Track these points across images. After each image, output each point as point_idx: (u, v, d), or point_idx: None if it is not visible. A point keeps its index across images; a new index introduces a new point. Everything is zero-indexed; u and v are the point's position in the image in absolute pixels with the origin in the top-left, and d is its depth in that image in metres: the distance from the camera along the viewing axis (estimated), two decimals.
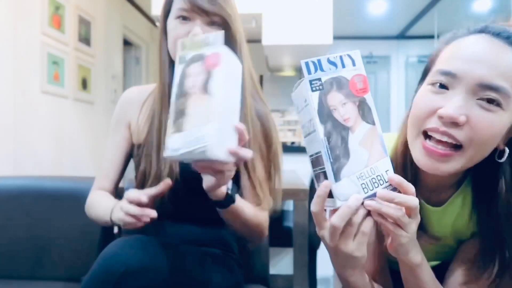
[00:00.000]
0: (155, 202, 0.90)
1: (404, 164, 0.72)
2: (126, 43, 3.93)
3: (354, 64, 0.61)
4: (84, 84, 2.92)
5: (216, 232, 1.04)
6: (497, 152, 0.66)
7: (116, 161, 1.05)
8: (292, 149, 2.82)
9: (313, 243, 1.98)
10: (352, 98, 0.60)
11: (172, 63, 0.95)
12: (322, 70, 0.60)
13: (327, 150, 0.58)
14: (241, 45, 0.96)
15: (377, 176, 0.59)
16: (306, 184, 1.65)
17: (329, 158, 0.58)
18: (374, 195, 0.59)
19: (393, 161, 0.64)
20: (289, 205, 2.59)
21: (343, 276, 0.66)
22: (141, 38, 4.16)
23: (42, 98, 2.43)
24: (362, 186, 0.59)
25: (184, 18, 0.90)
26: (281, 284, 2.36)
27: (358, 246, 0.59)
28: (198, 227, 1.01)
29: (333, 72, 0.60)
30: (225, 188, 0.82)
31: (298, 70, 4.16)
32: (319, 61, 0.60)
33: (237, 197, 0.87)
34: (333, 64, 0.60)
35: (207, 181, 0.76)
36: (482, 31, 0.64)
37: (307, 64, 0.60)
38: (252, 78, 1.03)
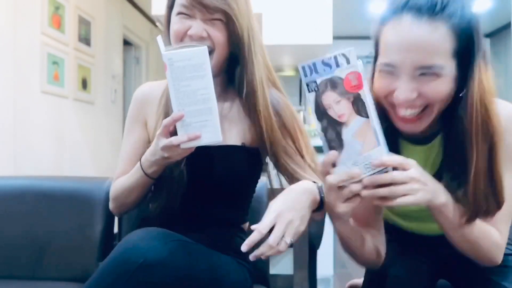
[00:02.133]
0: (166, 209, 0.91)
1: (383, 114, 0.78)
2: (126, 43, 3.93)
3: (348, 62, 0.65)
4: (84, 84, 2.93)
5: (229, 238, 1.02)
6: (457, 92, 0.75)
7: (133, 162, 0.99)
8: None
9: (313, 243, 1.98)
10: (346, 95, 0.66)
11: None
12: (317, 72, 0.67)
13: (325, 143, 0.68)
14: (250, 43, 0.93)
15: (370, 163, 0.66)
16: None
17: (327, 149, 0.68)
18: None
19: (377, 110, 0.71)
20: None
21: (334, 226, 0.79)
22: (141, 38, 4.16)
23: (42, 98, 2.43)
24: (370, 192, 0.67)
25: (185, 14, 0.88)
26: (281, 284, 2.36)
27: (344, 208, 0.70)
28: (211, 233, 0.98)
29: (327, 74, 0.66)
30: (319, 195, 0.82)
31: (298, 70, 4.16)
32: (314, 64, 0.66)
33: None
34: (328, 65, 0.66)
35: None
36: (403, 8, 0.71)
37: (303, 68, 0.67)
38: (270, 71, 1.02)
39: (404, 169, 0.66)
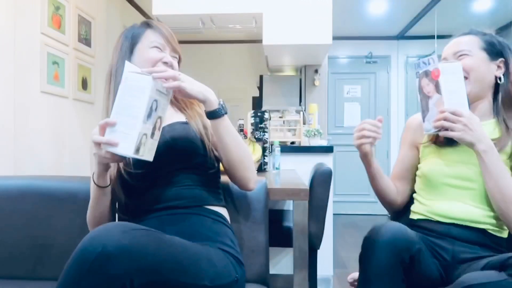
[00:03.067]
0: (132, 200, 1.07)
1: None
2: None
3: (434, 62, 1.12)
4: (84, 84, 2.93)
5: (211, 225, 1.07)
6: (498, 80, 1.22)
7: None
8: (292, 149, 2.82)
9: (313, 243, 1.98)
10: (432, 81, 1.12)
11: None
12: (419, 66, 1.15)
13: (421, 107, 1.15)
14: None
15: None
16: (306, 184, 1.65)
17: (422, 110, 1.15)
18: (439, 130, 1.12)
19: None
20: (289, 205, 2.59)
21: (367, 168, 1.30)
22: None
23: (42, 98, 2.43)
24: (433, 126, 1.11)
25: (157, 48, 1.18)
26: (281, 284, 2.36)
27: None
28: (194, 220, 1.06)
29: (424, 67, 1.14)
30: (216, 102, 1.07)
31: (298, 70, 4.16)
32: (419, 62, 1.15)
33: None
34: (425, 63, 1.13)
35: None
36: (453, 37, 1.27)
37: (415, 64, 1.17)
38: None
39: (458, 115, 1.06)
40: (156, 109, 0.96)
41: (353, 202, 5.46)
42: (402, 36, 5.37)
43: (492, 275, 0.89)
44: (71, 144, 2.75)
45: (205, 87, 1.07)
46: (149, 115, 0.94)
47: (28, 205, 1.35)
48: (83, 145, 2.89)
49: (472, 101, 1.19)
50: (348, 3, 4.29)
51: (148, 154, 0.96)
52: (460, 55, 1.20)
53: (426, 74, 1.11)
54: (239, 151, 1.12)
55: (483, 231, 1.13)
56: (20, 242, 1.33)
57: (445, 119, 1.06)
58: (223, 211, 1.16)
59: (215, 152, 1.18)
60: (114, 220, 1.16)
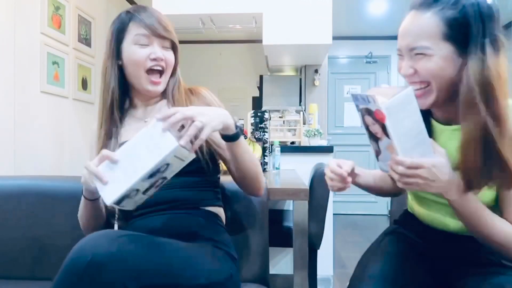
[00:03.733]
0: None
1: None
2: None
3: (375, 102, 0.82)
4: (84, 84, 2.93)
5: (204, 222, 1.07)
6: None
7: None
8: (292, 149, 2.82)
9: (313, 243, 1.98)
10: (377, 122, 0.84)
11: (121, 84, 1.12)
12: (358, 101, 0.87)
13: (371, 144, 0.91)
14: (177, 63, 1.17)
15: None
16: (306, 184, 1.65)
17: (373, 149, 0.91)
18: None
19: None
20: (289, 205, 2.59)
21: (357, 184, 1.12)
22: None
23: (42, 98, 2.43)
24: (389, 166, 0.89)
25: (142, 44, 1.07)
26: (281, 284, 2.36)
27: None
28: (184, 218, 1.06)
29: (365, 104, 0.85)
30: (233, 125, 0.99)
31: (298, 70, 4.16)
32: (357, 96, 0.86)
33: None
34: (364, 100, 0.85)
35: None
36: (411, 8, 0.93)
37: (352, 95, 0.88)
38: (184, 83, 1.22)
39: (415, 167, 0.82)
40: (164, 171, 0.88)
41: (353, 202, 5.46)
42: None
43: None
44: (71, 144, 2.75)
45: (221, 113, 0.96)
46: (152, 175, 0.86)
47: (28, 205, 1.35)
48: (83, 145, 2.89)
49: (441, 105, 0.96)
50: (348, 3, 4.29)
51: (130, 205, 0.90)
52: (417, 54, 0.90)
53: (369, 112, 0.84)
54: (253, 166, 1.09)
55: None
56: (19, 242, 1.32)
57: (402, 175, 0.83)
58: (217, 210, 1.15)
59: (216, 153, 1.15)
60: (107, 224, 1.16)
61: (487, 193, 0.92)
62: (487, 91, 0.82)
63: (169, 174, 0.90)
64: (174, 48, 1.13)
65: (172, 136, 0.84)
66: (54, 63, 2.53)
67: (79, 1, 2.83)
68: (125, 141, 1.07)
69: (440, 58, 0.87)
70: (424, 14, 0.88)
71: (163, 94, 1.17)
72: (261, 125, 2.36)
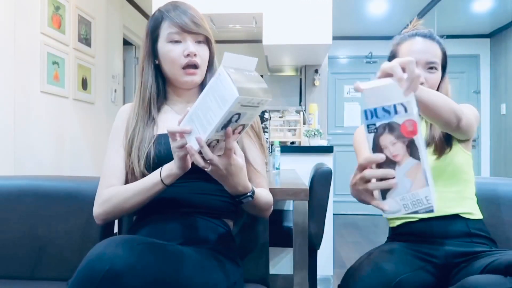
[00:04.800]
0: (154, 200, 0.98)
1: None
2: (126, 43, 3.93)
3: (406, 111, 0.73)
4: (84, 84, 2.93)
5: (212, 229, 1.05)
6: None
7: (120, 164, 1.11)
8: (292, 149, 2.82)
9: (313, 243, 1.98)
10: (402, 139, 0.74)
11: (158, 82, 1.14)
12: (377, 117, 0.75)
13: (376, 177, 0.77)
14: (214, 57, 1.19)
15: (417, 200, 0.76)
16: (306, 184, 1.65)
17: (381, 180, 0.77)
18: (413, 212, 0.77)
19: None
20: (289, 205, 2.59)
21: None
22: (141, 38, 4.16)
23: (42, 98, 2.43)
24: (404, 205, 0.77)
25: (176, 41, 1.09)
26: (281, 284, 2.36)
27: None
28: (193, 223, 1.04)
29: (386, 119, 0.74)
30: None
31: (298, 70, 4.16)
32: (375, 110, 0.74)
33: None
34: (387, 112, 0.74)
35: None
36: (415, 35, 1.24)
37: (365, 112, 0.76)
38: None
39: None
40: (237, 120, 0.83)
41: (353, 202, 5.42)
42: None
43: (498, 280, 0.84)
44: (71, 144, 2.75)
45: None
46: (225, 126, 0.82)
47: (28, 205, 1.35)
48: (83, 145, 2.89)
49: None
50: (348, 3, 4.29)
51: (217, 151, 0.88)
52: (430, 68, 1.19)
53: (391, 128, 0.74)
54: (268, 207, 1.11)
55: (458, 217, 1.15)
56: (19, 242, 1.32)
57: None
58: (231, 220, 1.15)
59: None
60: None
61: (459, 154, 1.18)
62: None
63: (247, 120, 0.85)
64: (208, 42, 1.15)
65: (233, 87, 0.76)
66: (54, 63, 2.53)
67: (79, 1, 2.83)
68: (161, 133, 1.09)
69: (438, 75, 1.22)
70: (432, 42, 1.22)
71: (201, 87, 1.16)
72: (261, 125, 2.36)
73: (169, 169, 0.96)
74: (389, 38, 5.20)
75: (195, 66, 1.11)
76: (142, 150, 1.06)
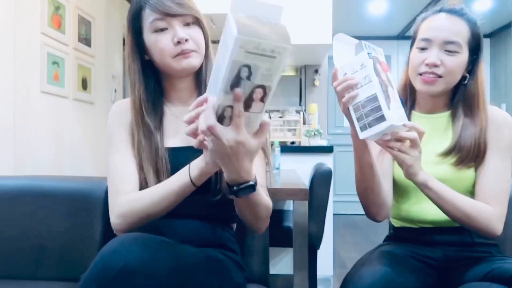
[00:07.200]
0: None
1: (407, 94, 1.19)
2: None
3: (381, 54, 0.96)
4: (84, 84, 2.93)
5: (218, 232, 1.05)
6: (463, 79, 1.10)
7: (130, 167, 1.01)
8: (292, 149, 2.82)
9: (313, 243, 1.98)
10: (382, 72, 0.93)
11: (148, 81, 1.02)
12: (370, 48, 0.94)
13: (382, 91, 0.91)
14: (208, 40, 1.04)
15: (403, 115, 0.94)
16: (306, 184, 1.65)
17: (383, 95, 0.90)
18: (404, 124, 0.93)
19: (402, 93, 1.18)
20: (289, 205, 2.59)
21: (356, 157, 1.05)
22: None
23: (42, 98, 2.43)
24: (399, 116, 0.93)
25: (162, 29, 0.96)
26: (281, 284, 2.36)
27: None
28: (199, 225, 1.02)
29: (374, 53, 0.94)
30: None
31: (298, 70, 4.16)
32: (369, 45, 0.94)
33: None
34: (374, 49, 0.95)
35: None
36: (440, 10, 1.10)
37: (365, 44, 0.94)
38: None
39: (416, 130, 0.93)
40: (250, 77, 0.68)
41: (353, 202, 5.44)
42: (402, 36, 5.37)
43: None
44: (71, 144, 2.75)
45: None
46: (235, 85, 0.68)
47: (27, 205, 1.35)
48: (83, 145, 2.89)
49: (435, 96, 1.12)
50: (348, 3, 4.29)
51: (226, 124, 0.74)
52: (449, 51, 1.05)
53: (378, 61, 0.93)
54: (267, 213, 1.01)
55: (462, 228, 1.07)
56: (19, 242, 1.32)
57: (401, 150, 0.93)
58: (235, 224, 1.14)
59: None
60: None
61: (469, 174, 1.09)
62: (481, 97, 1.10)
63: (265, 79, 0.69)
64: (199, 22, 0.99)
65: (233, 26, 0.63)
66: (54, 63, 2.53)
67: (79, 1, 2.82)
68: (172, 146, 0.99)
69: (461, 59, 1.06)
70: (458, 18, 1.08)
71: (198, 77, 1.05)
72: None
73: (198, 167, 0.86)
74: (389, 38, 5.21)
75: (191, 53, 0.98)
76: (155, 163, 0.98)
